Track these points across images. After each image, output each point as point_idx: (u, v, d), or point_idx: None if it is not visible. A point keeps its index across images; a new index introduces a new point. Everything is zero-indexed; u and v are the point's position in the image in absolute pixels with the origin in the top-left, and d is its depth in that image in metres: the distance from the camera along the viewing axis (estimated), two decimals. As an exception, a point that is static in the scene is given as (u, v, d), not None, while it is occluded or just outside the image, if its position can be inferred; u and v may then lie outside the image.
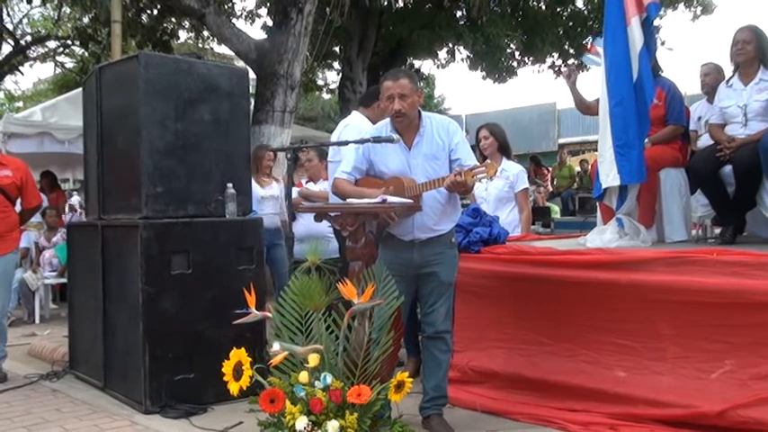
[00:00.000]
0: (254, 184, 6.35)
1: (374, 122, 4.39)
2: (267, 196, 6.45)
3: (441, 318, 3.80)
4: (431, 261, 3.76)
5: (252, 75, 7.82)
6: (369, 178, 3.82)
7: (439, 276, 3.78)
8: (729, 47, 4.58)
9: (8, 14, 18.68)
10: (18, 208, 5.53)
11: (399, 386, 3.01)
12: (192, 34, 15.46)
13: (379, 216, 3.48)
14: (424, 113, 3.81)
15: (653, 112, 4.52)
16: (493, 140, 5.44)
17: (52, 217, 8.78)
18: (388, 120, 3.81)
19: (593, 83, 5.00)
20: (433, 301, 3.79)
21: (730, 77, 4.69)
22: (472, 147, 4.52)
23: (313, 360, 2.99)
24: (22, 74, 21.60)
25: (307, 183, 6.05)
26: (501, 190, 5.41)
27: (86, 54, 17.29)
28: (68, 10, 16.02)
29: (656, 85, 4.55)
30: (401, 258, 3.70)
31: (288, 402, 2.93)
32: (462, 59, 15.66)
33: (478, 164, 3.61)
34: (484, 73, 15.47)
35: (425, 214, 3.67)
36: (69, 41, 18.17)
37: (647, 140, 4.61)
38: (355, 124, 4.90)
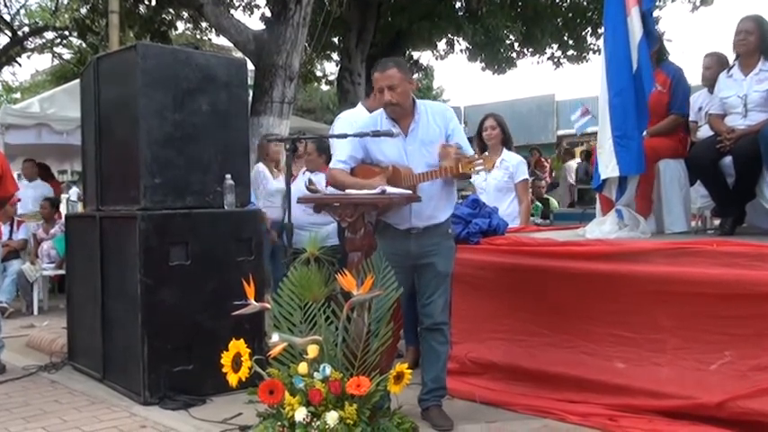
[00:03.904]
0: (269, 175, 6.35)
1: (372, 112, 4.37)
2: (280, 189, 6.35)
3: (438, 309, 3.80)
4: (428, 252, 3.76)
5: (250, 66, 7.80)
6: (365, 166, 3.81)
7: (436, 267, 3.78)
8: (732, 35, 4.55)
9: (5, 5, 18.59)
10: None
11: (399, 377, 3.01)
12: (191, 25, 15.40)
13: (378, 206, 3.47)
14: (418, 101, 3.80)
15: (656, 99, 4.49)
16: (499, 132, 5.44)
17: (46, 209, 8.76)
18: (382, 110, 3.81)
19: (594, 74, 4.99)
20: (430, 293, 3.79)
21: (730, 67, 4.67)
22: (471, 138, 4.52)
23: (312, 351, 2.99)
24: (19, 65, 21.55)
25: (304, 173, 6.03)
26: (500, 180, 5.41)
27: (84, 45, 17.25)
28: (66, 1, 15.96)
29: (660, 71, 4.53)
30: (398, 249, 3.69)
31: (287, 393, 2.93)
32: (461, 51, 15.65)
33: (477, 156, 3.61)
34: (483, 64, 15.45)
35: (422, 202, 3.66)
36: (67, 32, 18.08)
37: (644, 132, 4.59)
38: (345, 118, 4.91)
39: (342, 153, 3.84)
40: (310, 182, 5.60)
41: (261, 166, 6.53)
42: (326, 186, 4.90)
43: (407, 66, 3.87)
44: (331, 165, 3.86)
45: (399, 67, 3.71)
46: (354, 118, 4.77)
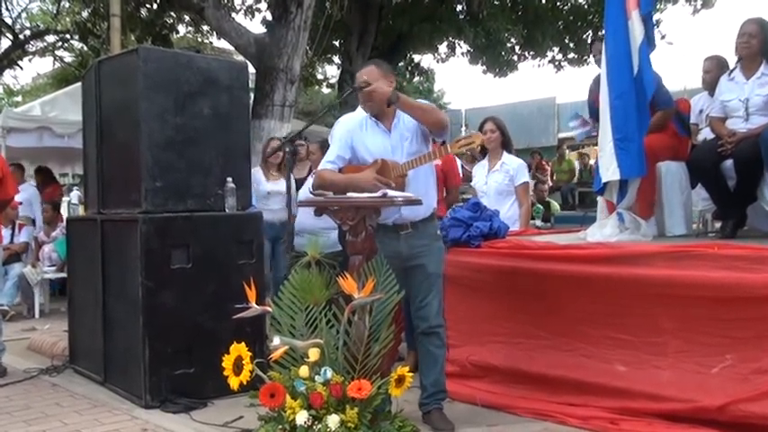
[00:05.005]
0: (261, 177, 6.32)
1: None
2: (274, 191, 6.30)
3: (434, 312, 3.80)
4: (418, 253, 3.77)
5: (251, 69, 7.80)
6: (352, 166, 3.83)
7: (427, 268, 3.78)
8: (735, 38, 4.54)
9: (7, 9, 18.60)
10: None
11: (400, 381, 3.01)
12: (192, 28, 15.43)
13: (379, 210, 3.48)
14: None
15: None
16: (498, 135, 5.47)
17: (48, 212, 8.76)
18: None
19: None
20: (423, 296, 3.79)
21: (732, 70, 4.66)
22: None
23: (313, 354, 2.99)
24: (21, 68, 21.61)
25: (313, 175, 6.01)
26: (501, 183, 5.42)
27: (85, 48, 17.28)
28: (67, 4, 16.01)
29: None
30: (389, 251, 3.65)
31: (288, 397, 2.93)
32: (462, 54, 15.67)
33: (463, 135, 3.66)
34: (484, 67, 15.46)
35: (409, 189, 3.67)
36: (68, 36, 18.12)
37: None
38: (345, 121, 4.92)
39: (330, 154, 3.88)
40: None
41: (256, 169, 6.49)
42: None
43: (388, 66, 3.94)
44: (319, 166, 3.88)
45: (378, 66, 3.84)
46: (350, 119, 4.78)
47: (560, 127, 21.97)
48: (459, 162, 5.38)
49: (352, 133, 3.84)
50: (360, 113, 4.86)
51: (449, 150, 3.76)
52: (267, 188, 6.27)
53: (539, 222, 9.94)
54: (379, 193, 3.45)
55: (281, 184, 6.34)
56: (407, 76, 17.62)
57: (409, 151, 3.75)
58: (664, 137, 4.76)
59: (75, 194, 11.97)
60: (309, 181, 5.69)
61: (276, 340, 3.04)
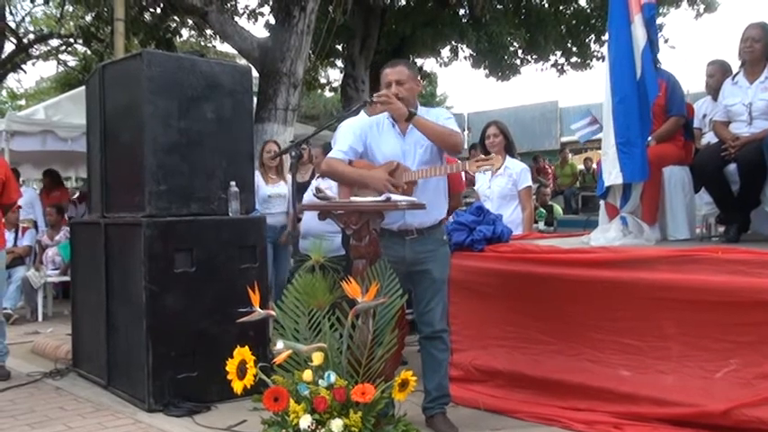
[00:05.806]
0: (261, 181, 6.31)
1: None
2: (274, 195, 6.30)
3: (438, 317, 3.80)
4: (423, 258, 3.75)
5: (254, 73, 7.80)
6: (363, 162, 3.82)
7: (432, 274, 3.77)
8: (738, 42, 4.55)
9: (11, 13, 18.66)
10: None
11: (403, 385, 3.01)
12: (195, 32, 15.45)
13: (382, 214, 3.48)
14: (420, 107, 3.84)
15: (656, 104, 4.51)
16: (502, 138, 5.48)
17: (53, 215, 8.77)
18: (386, 112, 3.83)
19: (598, 80, 5.00)
20: (428, 300, 3.79)
21: (735, 74, 4.67)
22: (474, 145, 4.53)
23: (317, 358, 2.99)
24: (24, 72, 21.64)
25: (316, 178, 6.00)
26: (504, 187, 5.42)
27: (89, 52, 17.33)
28: (71, 8, 16.03)
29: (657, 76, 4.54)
30: (393, 255, 3.64)
31: (292, 401, 2.93)
32: (465, 57, 15.64)
33: (482, 156, 3.65)
34: (487, 71, 15.44)
35: (417, 198, 3.65)
36: (72, 40, 18.18)
37: (650, 138, 4.60)
38: (348, 125, 4.93)
39: (343, 144, 3.83)
40: (318, 189, 5.59)
41: (256, 174, 6.48)
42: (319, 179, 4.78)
43: (415, 68, 3.92)
44: (330, 154, 3.84)
45: (408, 67, 3.85)
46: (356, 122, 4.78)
47: (563, 131, 22.00)
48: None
49: (366, 130, 3.82)
50: (363, 116, 4.88)
51: (466, 167, 3.73)
52: (267, 192, 6.27)
53: (542, 226, 9.92)
54: (382, 197, 3.45)
55: (280, 187, 6.35)
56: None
57: (422, 159, 3.73)
58: (673, 146, 4.77)
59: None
60: (313, 184, 5.69)
61: (279, 344, 3.04)
